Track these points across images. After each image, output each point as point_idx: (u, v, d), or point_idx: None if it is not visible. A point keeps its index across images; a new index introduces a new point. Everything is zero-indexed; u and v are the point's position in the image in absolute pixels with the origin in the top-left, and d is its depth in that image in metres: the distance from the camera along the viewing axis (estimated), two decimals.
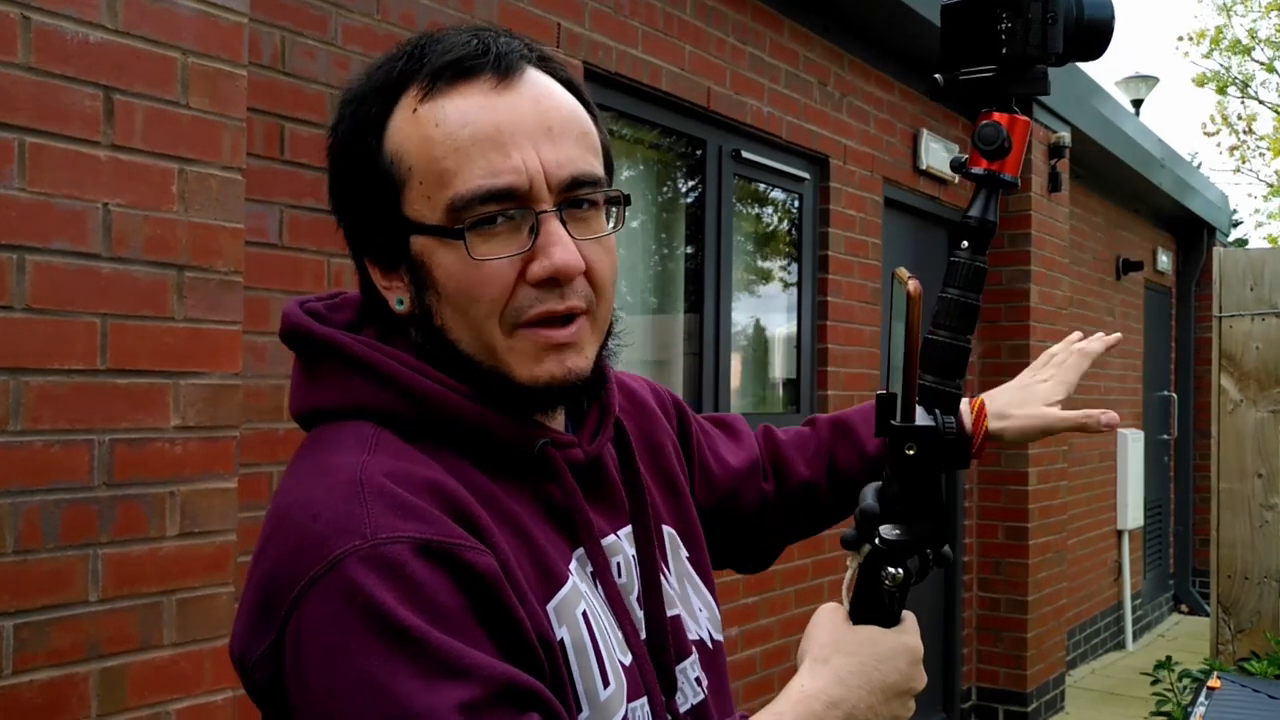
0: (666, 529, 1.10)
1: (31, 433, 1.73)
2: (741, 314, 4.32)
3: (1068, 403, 1.32)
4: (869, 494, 1.01)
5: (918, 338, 0.91)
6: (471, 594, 0.81)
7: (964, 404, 1.30)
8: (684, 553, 1.11)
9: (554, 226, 0.90)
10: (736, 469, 1.28)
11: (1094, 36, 0.99)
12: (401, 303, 0.94)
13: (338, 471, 0.85)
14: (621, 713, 0.93)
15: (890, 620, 1.00)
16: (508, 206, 0.89)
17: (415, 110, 0.91)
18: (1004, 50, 0.97)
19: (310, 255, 2.46)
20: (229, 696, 1.96)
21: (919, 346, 0.91)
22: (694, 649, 1.06)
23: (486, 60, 0.91)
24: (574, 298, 0.92)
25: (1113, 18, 0.99)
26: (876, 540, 0.97)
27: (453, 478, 0.87)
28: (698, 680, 1.05)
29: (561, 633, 0.90)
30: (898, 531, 0.97)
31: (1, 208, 1.70)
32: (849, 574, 1.03)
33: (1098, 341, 1.36)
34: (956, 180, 5.38)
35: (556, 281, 0.90)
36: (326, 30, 2.52)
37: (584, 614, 0.92)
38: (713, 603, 1.12)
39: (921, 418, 0.95)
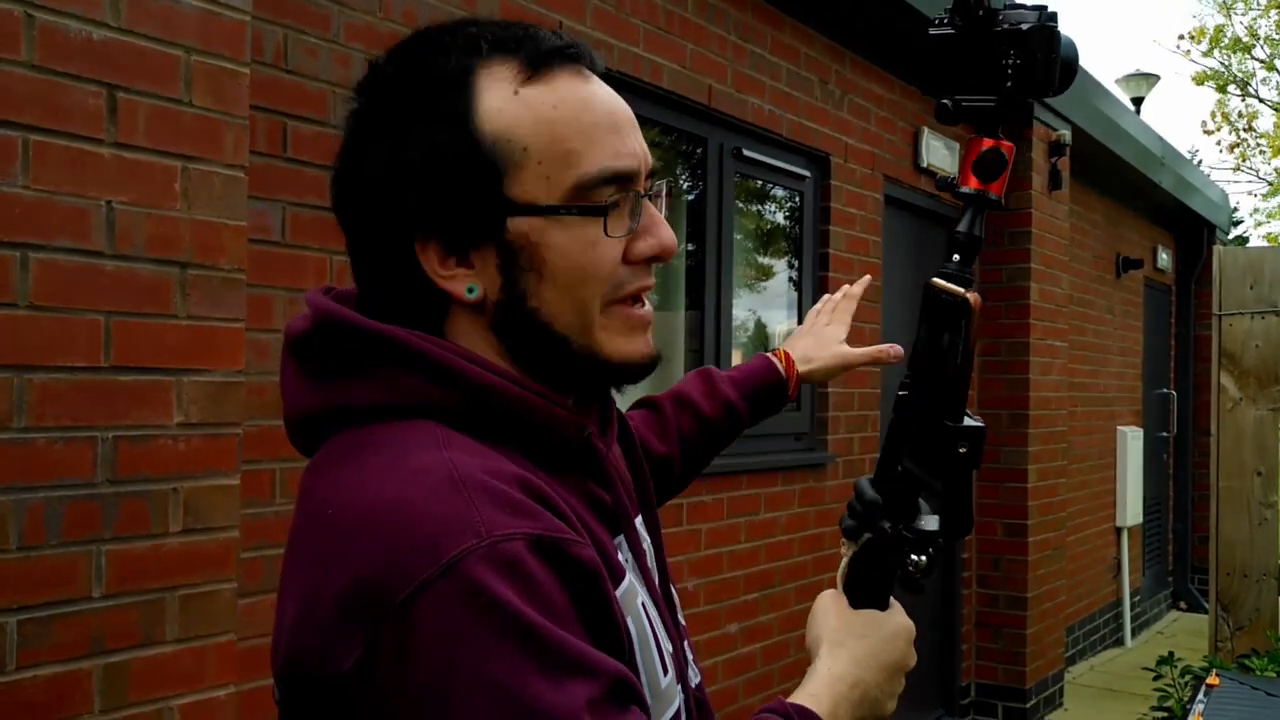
0: None
1: (35, 429, 1.74)
2: (742, 311, 4.32)
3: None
4: (869, 487, 1.08)
5: (974, 345, 0.99)
6: (578, 589, 0.81)
7: (772, 356, 1.54)
8: None
9: (653, 209, 0.97)
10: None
11: (1066, 75, 1.06)
12: (473, 290, 0.92)
13: (429, 471, 0.81)
14: (678, 700, 0.95)
15: (884, 604, 1.09)
16: (624, 188, 0.93)
17: (517, 92, 0.90)
18: (1008, 84, 1.04)
19: (313, 253, 2.47)
20: (232, 692, 1.97)
21: (974, 353, 0.99)
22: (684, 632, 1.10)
23: (579, 51, 0.94)
24: (654, 275, 0.98)
25: (1078, 58, 1.06)
26: (890, 529, 1.05)
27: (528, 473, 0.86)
28: (692, 660, 1.08)
29: (629, 623, 0.90)
30: (923, 524, 1.04)
31: (4, 205, 1.70)
32: (844, 562, 1.11)
33: (858, 285, 1.66)
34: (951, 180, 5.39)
35: (657, 259, 0.96)
36: (329, 28, 2.52)
37: (643, 604, 0.94)
38: (673, 588, 1.15)
39: (969, 419, 1.02)
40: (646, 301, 0.98)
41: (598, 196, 0.92)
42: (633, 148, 0.94)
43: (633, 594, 0.93)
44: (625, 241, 0.94)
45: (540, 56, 0.92)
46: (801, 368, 1.53)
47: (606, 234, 0.92)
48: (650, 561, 1.03)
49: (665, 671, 0.94)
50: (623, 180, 0.93)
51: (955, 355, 0.99)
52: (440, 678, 0.74)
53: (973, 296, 0.98)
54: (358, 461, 0.86)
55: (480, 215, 0.91)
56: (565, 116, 0.91)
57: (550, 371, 0.94)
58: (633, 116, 0.97)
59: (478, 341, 0.93)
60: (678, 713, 0.95)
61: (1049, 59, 1.02)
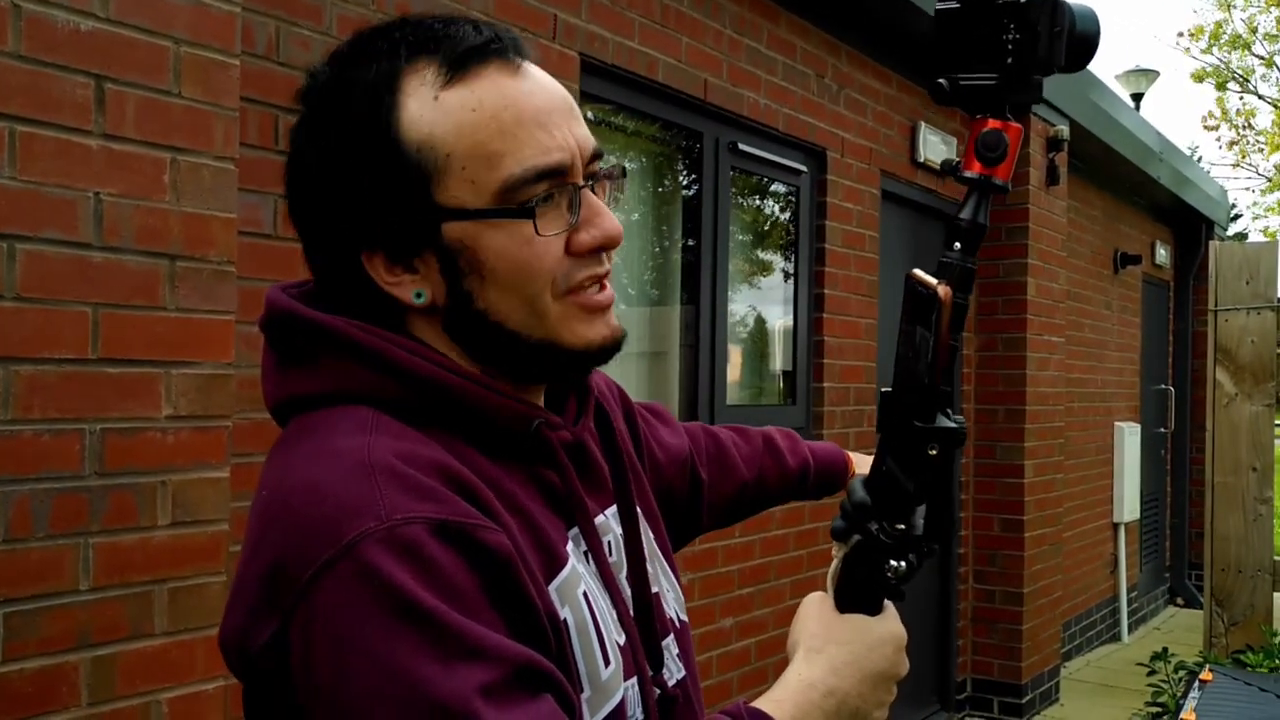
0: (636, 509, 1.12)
1: (22, 422, 1.73)
2: (738, 306, 4.32)
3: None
4: (859, 487, 1.04)
5: (946, 342, 0.94)
6: (486, 574, 0.81)
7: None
8: (649, 533, 1.12)
9: (593, 198, 0.95)
10: (676, 455, 1.35)
11: (1082, 49, 1.01)
12: (420, 295, 0.93)
13: (343, 455, 0.83)
14: (620, 693, 0.94)
15: (874, 609, 1.04)
16: (557, 183, 0.92)
17: (437, 97, 0.90)
18: (1009, 60, 0.99)
19: None
20: (220, 686, 1.97)
21: (946, 351, 0.94)
22: (670, 627, 1.08)
23: (503, 46, 0.93)
24: (608, 263, 0.97)
25: (1099, 32, 1.01)
26: (877, 532, 1.01)
27: (454, 459, 0.87)
28: (678, 656, 1.07)
29: (565, 613, 0.90)
30: (902, 526, 1.00)
31: None
32: (834, 564, 1.06)
33: None
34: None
35: (601, 249, 0.95)
36: (321, 20, 2.51)
37: (584, 594, 0.93)
38: (676, 583, 1.14)
39: (945, 419, 0.98)
40: (606, 284, 0.97)
41: (528, 194, 0.91)
42: (561, 140, 0.92)
43: (574, 583, 0.93)
44: (566, 234, 0.93)
45: (459, 57, 0.91)
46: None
47: (538, 234, 0.91)
48: (614, 553, 1.02)
49: (608, 663, 0.93)
50: (553, 175, 0.92)
51: (926, 352, 0.95)
52: (336, 657, 0.77)
53: (943, 290, 0.94)
54: (293, 446, 0.89)
55: (413, 223, 0.92)
56: (485, 118, 0.90)
57: (512, 367, 0.96)
58: (568, 103, 0.95)
59: (436, 343, 0.95)
60: (621, 704, 0.94)
61: (1053, 32, 0.97)
